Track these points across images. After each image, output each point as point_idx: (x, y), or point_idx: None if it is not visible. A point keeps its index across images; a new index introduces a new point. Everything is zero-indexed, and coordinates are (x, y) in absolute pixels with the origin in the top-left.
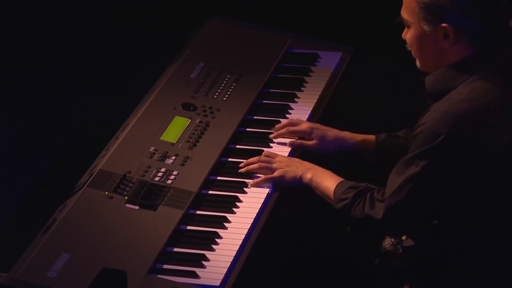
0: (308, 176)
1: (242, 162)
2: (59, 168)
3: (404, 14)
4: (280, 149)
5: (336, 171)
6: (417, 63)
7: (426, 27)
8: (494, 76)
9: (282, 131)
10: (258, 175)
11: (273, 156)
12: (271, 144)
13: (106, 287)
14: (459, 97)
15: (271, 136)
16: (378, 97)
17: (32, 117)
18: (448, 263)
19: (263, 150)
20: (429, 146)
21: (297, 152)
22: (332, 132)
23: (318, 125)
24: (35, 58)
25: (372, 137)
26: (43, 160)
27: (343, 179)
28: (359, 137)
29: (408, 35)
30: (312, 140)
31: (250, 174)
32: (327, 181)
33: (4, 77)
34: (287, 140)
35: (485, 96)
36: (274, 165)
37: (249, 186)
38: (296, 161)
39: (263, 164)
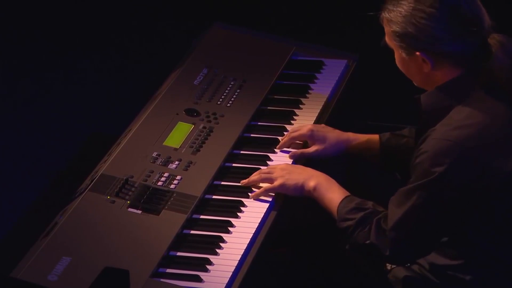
0: (310, 184)
1: (246, 167)
2: (65, 174)
3: (387, 39)
4: (284, 155)
5: (337, 173)
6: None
7: (404, 53)
8: (488, 94)
9: (285, 139)
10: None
11: (274, 166)
12: (275, 150)
13: (108, 286)
14: (457, 123)
15: (277, 148)
16: (383, 104)
17: (38, 121)
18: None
19: (267, 156)
20: (430, 178)
21: (300, 162)
22: (334, 134)
23: (319, 127)
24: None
25: (375, 137)
26: (50, 166)
27: (348, 194)
28: (363, 137)
29: (395, 57)
30: (314, 143)
31: None
32: (331, 194)
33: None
34: (290, 149)
35: (483, 120)
36: (275, 175)
37: (250, 198)
38: (299, 167)
39: (264, 175)
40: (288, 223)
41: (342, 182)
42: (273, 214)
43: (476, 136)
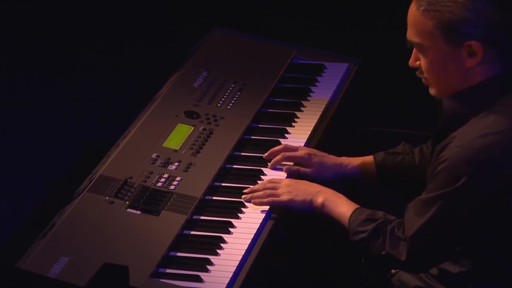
0: (319, 200)
1: (247, 169)
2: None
3: (415, 38)
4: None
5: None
6: (432, 90)
7: (447, 48)
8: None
9: (279, 157)
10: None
11: (278, 181)
12: (266, 171)
13: (107, 282)
14: (481, 131)
15: (269, 165)
16: (385, 108)
17: (36, 127)
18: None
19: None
20: (451, 188)
21: (293, 177)
22: (331, 159)
23: (315, 151)
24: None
25: (369, 158)
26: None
27: (357, 206)
28: (356, 161)
29: (422, 61)
30: (310, 166)
31: (257, 180)
32: (341, 208)
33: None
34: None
35: (509, 128)
36: (280, 190)
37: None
38: (305, 183)
39: (268, 191)
40: (288, 232)
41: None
42: (274, 214)
43: (502, 145)
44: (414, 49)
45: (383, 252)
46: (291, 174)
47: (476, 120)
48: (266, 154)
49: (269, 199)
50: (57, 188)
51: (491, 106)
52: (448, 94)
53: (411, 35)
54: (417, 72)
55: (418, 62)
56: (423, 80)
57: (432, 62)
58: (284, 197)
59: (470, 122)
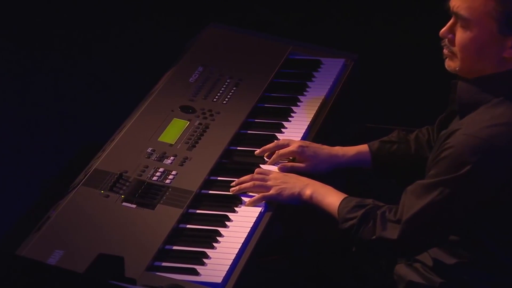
0: (307, 192)
1: (243, 163)
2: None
3: (465, 11)
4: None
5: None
6: (452, 64)
7: (496, 33)
8: None
9: (274, 157)
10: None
11: (267, 173)
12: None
13: (103, 272)
14: (490, 121)
15: (264, 166)
16: (381, 105)
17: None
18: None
19: None
20: (454, 175)
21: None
22: (324, 150)
23: (308, 143)
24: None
25: (364, 147)
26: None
27: (346, 195)
28: (351, 150)
29: (460, 35)
30: (304, 159)
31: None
32: (329, 198)
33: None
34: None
35: None
36: (269, 183)
37: (245, 205)
38: (293, 176)
39: (257, 183)
40: (282, 231)
41: (342, 188)
42: (271, 208)
43: (509, 136)
44: (452, 20)
45: (374, 237)
46: (285, 172)
47: (485, 108)
48: (258, 151)
49: (260, 196)
50: (53, 186)
51: (503, 97)
52: (466, 74)
53: (462, 7)
54: (442, 43)
55: (451, 35)
56: (445, 51)
57: (472, 40)
58: (272, 191)
59: (479, 110)
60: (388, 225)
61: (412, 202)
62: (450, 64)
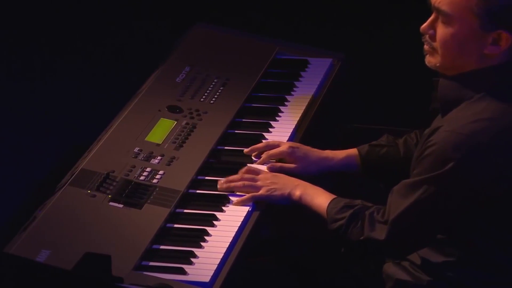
0: (297, 193)
1: (231, 163)
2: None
3: (447, 7)
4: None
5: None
6: (433, 60)
7: (477, 29)
8: (505, 89)
9: (264, 157)
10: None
11: (256, 172)
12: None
13: (89, 271)
14: (472, 117)
15: (252, 166)
16: (370, 105)
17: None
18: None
19: None
20: (438, 172)
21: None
22: (315, 153)
23: (298, 145)
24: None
25: (354, 151)
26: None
27: (335, 196)
28: (341, 154)
29: (441, 30)
30: (294, 161)
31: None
32: (318, 199)
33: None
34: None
35: (500, 115)
36: (258, 183)
37: (233, 204)
38: (282, 177)
39: (246, 183)
40: (271, 232)
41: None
42: (259, 207)
43: (492, 132)
44: (433, 16)
45: (362, 237)
46: (274, 172)
47: (467, 105)
48: (247, 150)
49: (249, 196)
50: (40, 188)
51: (484, 92)
52: (447, 70)
53: (443, 3)
54: (423, 38)
55: (432, 31)
56: (426, 47)
57: (453, 36)
58: (262, 192)
59: (460, 106)
60: (376, 226)
61: (397, 202)
62: (431, 60)
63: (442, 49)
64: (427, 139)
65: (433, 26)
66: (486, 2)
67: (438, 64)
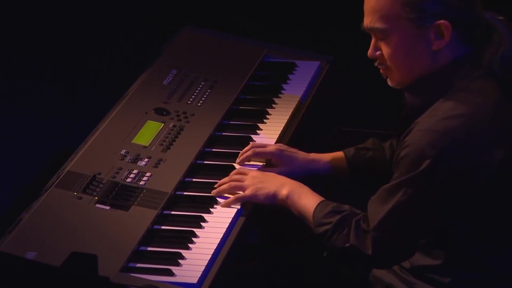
0: (283, 192)
1: (219, 164)
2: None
3: (378, 23)
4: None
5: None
6: (392, 81)
7: (414, 29)
8: (482, 83)
9: (249, 153)
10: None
11: (245, 172)
12: (235, 164)
13: (75, 271)
14: (444, 114)
15: (237, 161)
16: (357, 106)
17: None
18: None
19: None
20: (415, 172)
21: None
22: (301, 155)
23: (285, 147)
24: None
25: (340, 154)
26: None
27: (323, 199)
28: (327, 157)
29: (385, 48)
30: (281, 162)
31: (229, 174)
32: (305, 200)
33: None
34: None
35: (471, 110)
36: (246, 183)
37: (220, 206)
38: (271, 175)
39: (233, 184)
40: (260, 236)
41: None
42: (247, 209)
43: (466, 128)
44: (373, 39)
45: (347, 244)
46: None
47: (438, 104)
48: (237, 160)
49: (234, 197)
50: (27, 191)
51: (452, 90)
52: (409, 83)
53: (373, 21)
54: (376, 63)
55: (378, 52)
56: (381, 71)
57: (396, 47)
58: (247, 192)
59: (432, 107)
60: (362, 235)
61: (377, 208)
62: (391, 82)
63: (394, 63)
64: (401, 141)
65: (377, 48)
66: (407, 3)
67: (399, 81)
